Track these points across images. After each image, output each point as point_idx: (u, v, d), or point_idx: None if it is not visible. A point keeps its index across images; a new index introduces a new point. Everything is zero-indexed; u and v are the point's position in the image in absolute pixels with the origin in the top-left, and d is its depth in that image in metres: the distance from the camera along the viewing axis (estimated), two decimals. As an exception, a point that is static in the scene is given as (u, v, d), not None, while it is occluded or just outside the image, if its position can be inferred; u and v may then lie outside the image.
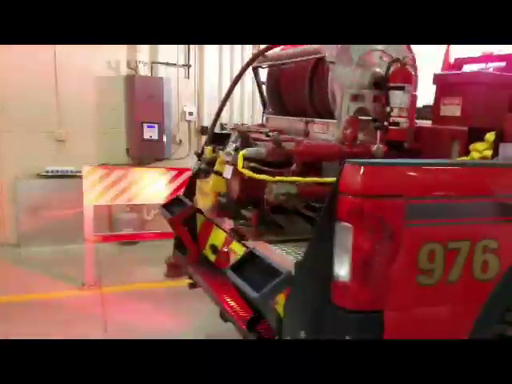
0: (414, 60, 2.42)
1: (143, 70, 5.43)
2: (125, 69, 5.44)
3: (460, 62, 3.29)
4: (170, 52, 5.48)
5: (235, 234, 2.48)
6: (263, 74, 3.11)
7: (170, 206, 3.15)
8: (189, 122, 5.76)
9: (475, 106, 2.25)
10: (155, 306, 3.98)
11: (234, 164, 2.33)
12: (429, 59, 3.18)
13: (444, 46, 3.52)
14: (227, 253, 2.69)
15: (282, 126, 2.89)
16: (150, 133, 5.19)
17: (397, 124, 2.29)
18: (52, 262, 4.89)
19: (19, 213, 5.27)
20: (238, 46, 5.72)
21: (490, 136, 2.12)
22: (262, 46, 2.88)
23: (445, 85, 2.41)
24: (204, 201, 2.79)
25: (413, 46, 2.48)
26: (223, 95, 5.69)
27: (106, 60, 5.35)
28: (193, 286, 3.07)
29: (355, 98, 2.32)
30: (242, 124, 4.63)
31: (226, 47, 5.71)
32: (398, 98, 2.29)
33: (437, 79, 2.53)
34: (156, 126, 5.21)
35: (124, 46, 5.35)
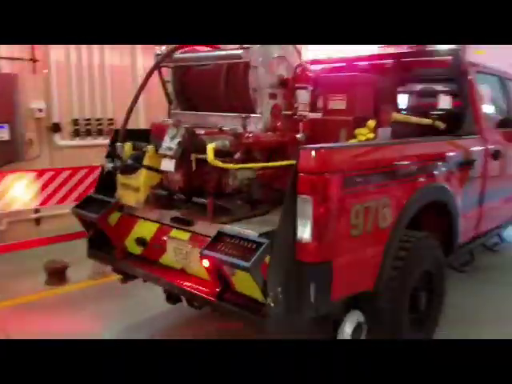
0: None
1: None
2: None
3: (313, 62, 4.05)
4: (14, 46, 4.98)
5: (180, 222, 2.71)
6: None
7: (85, 206, 3.11)
8: (38, 119, 5.34)
9: (357, 101, 2.97)
10: (53, 314, 3.78)
11: (176, 157, 2.58)
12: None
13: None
14: (163, 241, 2.88)
15: (191, 121, 3.16)
16: (1, 134, 4.68)
17: (304, 117, 2.86)
18: None
19: None
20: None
21: (371, 123, 2.86)
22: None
23: (330, 84, 3.08)
24: (132, 196, 2.90)
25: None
26: (74, 89, 5.57)
27: None
28: (125, 280, 3.13)
29: (272, 96, 2.80)
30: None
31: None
32: (302, 96, 2.87)
33: (319, 79, 3.18)
34: (7, 125, 4.71)
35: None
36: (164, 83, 3.30)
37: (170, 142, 2.63)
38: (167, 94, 3.33)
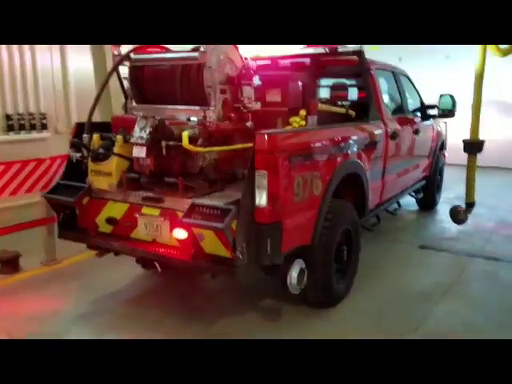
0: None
1: None
2: None
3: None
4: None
5: (151, 200, 3.19)
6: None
7: (57, 191, 3.44)
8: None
9: (290, 95, 3.65)
10: (16, 298, 4.00)
11: (147, 145, 3.06)
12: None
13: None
14: (134, 218, 3.34)
15: (148, 114, 3.61)
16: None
17: (250, 108, 3.48)
18: None
19: None
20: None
21: (303, 112, 3.57)
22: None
23: (268, 81, 3.71)
24: (104, 180, 3.31)
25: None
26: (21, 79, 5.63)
27: None
28: (101, 254, 3.53)
29: (222, 91, 3.37)
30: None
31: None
32: (247, 91, 3.47)
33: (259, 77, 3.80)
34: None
35: None
36: (121, 80, 3.70)
37: (140, 132, 3.10)
38: (124, 90, 3.74)
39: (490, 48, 5.20)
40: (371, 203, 4.41)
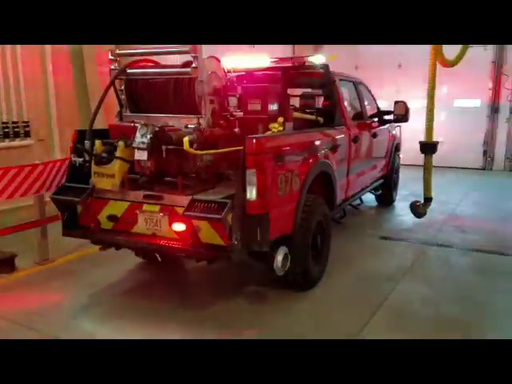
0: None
1: None
2: None
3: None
4: None
5: (151, 198, 3.61)
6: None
7: (62, 193, 3.79)
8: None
9: (268, 104, 4.17)
10: (16, 294, 4.26)
11: (148, 149, 3.49)
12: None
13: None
14: (135, 215, 3.74)
15: (142, 121, 4.02)
16: None
17: (235, 116, 3.97)
18: None
19: None
20: None
21: (280, 119, 4.09)
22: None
23: (249, 92, 4.21)
24: (108, 181, 3.69)
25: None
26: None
27: None
28: (103, 248, 3.89)
29: (211, 101, 3.84)
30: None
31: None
32: (233, 101, 3.97)
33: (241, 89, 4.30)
34: None
35: None
36: (117, 92, 4.10)
37: (141, 138, 3.52)
38: (119, 100, 4.14)
39: (438, 61, 5.85)
40: (338, 198, 5.00)
